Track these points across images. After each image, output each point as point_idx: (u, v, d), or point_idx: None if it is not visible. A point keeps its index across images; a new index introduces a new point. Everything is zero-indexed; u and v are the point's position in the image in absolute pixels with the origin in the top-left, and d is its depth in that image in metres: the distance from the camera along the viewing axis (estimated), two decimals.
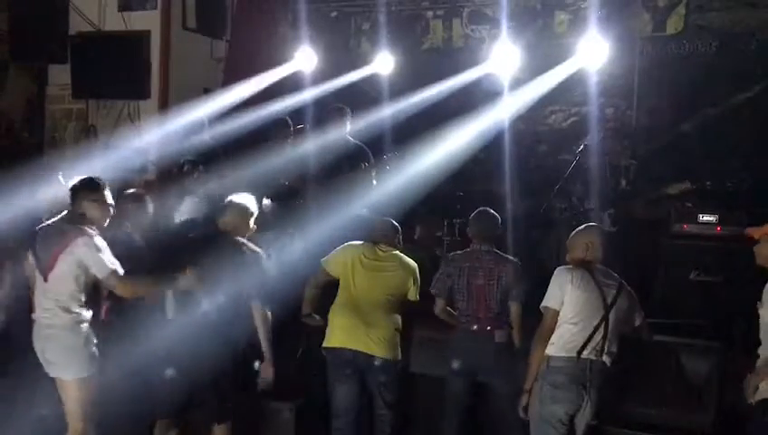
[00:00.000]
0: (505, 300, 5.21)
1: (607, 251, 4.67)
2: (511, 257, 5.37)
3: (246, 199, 5.20)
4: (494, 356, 5.15)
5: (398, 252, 5.56)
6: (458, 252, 5.52)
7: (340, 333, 5.35)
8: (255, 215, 5.22)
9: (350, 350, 5.29)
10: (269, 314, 4.97)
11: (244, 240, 5.04)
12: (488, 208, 5.52)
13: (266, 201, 6.18)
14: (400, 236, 5.66)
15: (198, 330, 4.76)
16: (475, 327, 5.22)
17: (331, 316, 5.43)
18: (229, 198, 5.21)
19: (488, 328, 5.19)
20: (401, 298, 5.46)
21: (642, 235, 6.68)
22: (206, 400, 4.94)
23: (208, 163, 6.84)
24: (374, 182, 6.90)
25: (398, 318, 5.43)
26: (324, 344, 5.38)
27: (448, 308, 5.44)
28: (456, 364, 5.27)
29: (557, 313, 4.53)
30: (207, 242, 5.02)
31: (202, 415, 5.01)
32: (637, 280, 4.84)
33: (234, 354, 4.91)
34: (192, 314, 4.83)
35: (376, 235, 5.59)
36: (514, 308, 5.20)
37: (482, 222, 5.42)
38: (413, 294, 5.50)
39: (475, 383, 5.26)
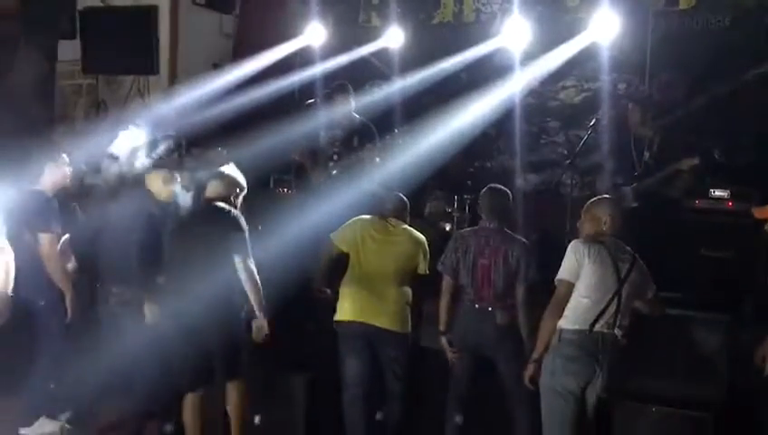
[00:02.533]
0: (512, 281, 5.16)
1: (620, 224, 4.66)
2: (520, 237, 5.31)
3: (236, 172, 5.22)
4: (496, 336, 5.12)
5: (407, 226, 5.57)
6: (467, 229, 5.50)
7: (351, 307, 5.37)
8: (244, 190, 5.22)
9: (361, 323, 5.31)
10: (253, 266, 4.95)
11: (226, 206, 5.04)
12: (498, 185, 5.49)
13: None
14: (408, 211, 5.66)
15: (199, 300, 4.81)
16: (478, 306, 5.20)
17: (341, 290, 5.45)
18: (219, 169, 5.23)
19: (489, 308, 5.17)
20: (411, 272, 5.47)
21: (657, 210, 6.64)
22: (217, 361, 4.99)
23: (201, 142, 6.83)
24: (377, 160, 6.87)
25: (409, 291, 5.44)
26: (335, 318, 5.40)
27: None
28: (457, 340, 5.26)
29: (572, 285, 4.51)
30: (197, 219, 5.10)
31: (216, 377, 5.05)
32: (649, 255, 4.81)
33: (237, 316, 4.97)
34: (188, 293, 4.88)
35: (385, 209, 5.59)
36: (521, 291, 5.15)
37: (492, 198, 5.38)
38: (422, 268, 5.50)
39: (479, 360, 5.24)
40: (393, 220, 5.53)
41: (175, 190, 5.49)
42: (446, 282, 5.32)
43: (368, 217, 5.56)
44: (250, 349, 5.07)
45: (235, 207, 5.12)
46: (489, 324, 5.14)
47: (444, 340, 5.28)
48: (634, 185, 6.73)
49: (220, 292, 4.86)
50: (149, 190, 5.43)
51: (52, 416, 5.65)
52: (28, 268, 5.31)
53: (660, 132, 6.91)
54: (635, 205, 6.67)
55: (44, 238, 5.36)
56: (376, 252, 5.40)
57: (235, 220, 4.96)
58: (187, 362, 5.00)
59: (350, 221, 5.56)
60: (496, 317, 5.15)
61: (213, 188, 5.13)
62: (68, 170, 5.67)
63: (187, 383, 5.05)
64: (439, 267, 5.35)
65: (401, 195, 5.70)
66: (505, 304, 5.16)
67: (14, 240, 5.25)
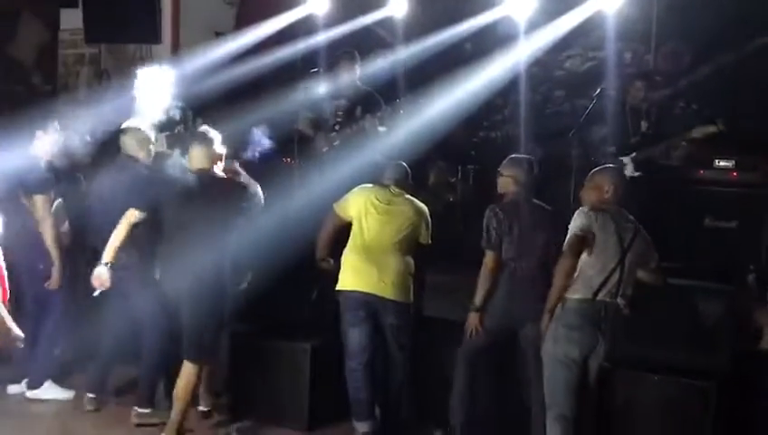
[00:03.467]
0: (548, 249, 5.06)
1: (624, 193, 4.64)
2: (548, 206, 5.27)
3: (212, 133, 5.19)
4: (537, 304, 4.96)
5: (409, 196, 5.56)
6: (500, 203, 5.27)
7: (353, 276, 5.37)
8: (220, 150, 5.18)
9: (363, 292, 5.31)
10: None
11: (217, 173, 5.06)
12: (519, 155, 5.44)
13: None
14: (410, 179, 5.65)
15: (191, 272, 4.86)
16: (521, 275, 5.12)
17: (344, 259, 5.45)
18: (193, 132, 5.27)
19: (532, 277, 5.08)
20: (413, 242, 5.45)
21: (662, 180, 6.62)
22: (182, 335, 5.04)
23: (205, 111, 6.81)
24: (381, 129, 6.85)
25: (411, 261, 5.43)
26: (338, 287, 5.41)
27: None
28: (495, 316, 5.15)
29: (585, 241, 4.47)
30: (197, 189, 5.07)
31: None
32: (653, 225, 4.81)
33: (214, 298, 4.98)
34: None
35: (387, 178, 5.58)
36: (555, 256, 5.10)
37: (520, 168, 5.25)
38: (425, 238, 5.49)
39: (505, 335, 5.22)
40: (395, 189, 5.52)
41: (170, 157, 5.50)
42: (491, 257, 5.16)
43: (370, 186, 5.55)
44: (216, 335, 5.12)
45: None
46: (534, 293, 5.01)
47: (475, 316, 5.19)
48: (634, 154, 6.70)
49: (209, 270, 4.89)
50: (128, 153, 5.47)
51: (59, 381, 5.72)
52: (25, 233, 5.40)
53: (658, 102, 6.88)
54: (636, 174, 6.64)
55: (38, 200, 5.47)
56: (379, 221, 5.39)
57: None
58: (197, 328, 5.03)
59: (352, 191, 5.54)
60: (542, 283, 5.00)
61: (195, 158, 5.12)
62: (58, 138, 5.69)
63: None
64: (484, 245, 5.26)
65: (403, 163, 5.68)
66: (547, 271, 5.11)
67: (11, 205, 5.33)
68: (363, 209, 5.43)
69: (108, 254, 5.13)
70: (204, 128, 5.29)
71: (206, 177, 5.05)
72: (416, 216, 5.47)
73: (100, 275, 5.12)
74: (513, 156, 5.42)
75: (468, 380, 5.27)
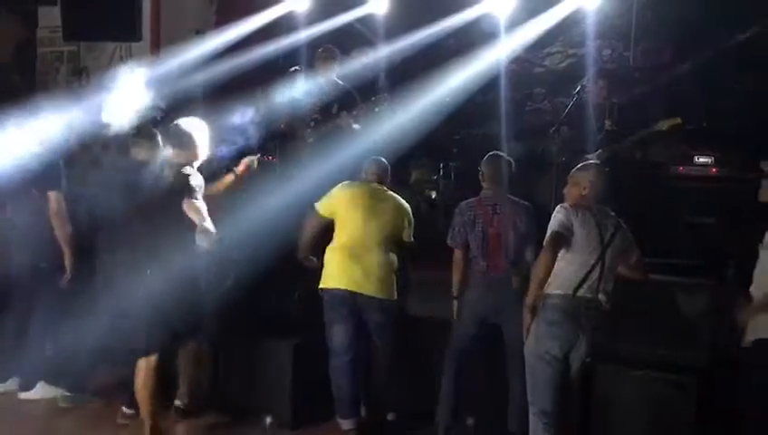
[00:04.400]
0: (521, 246, 5.17)
1: (602, 189, 4.67)
2: (523, 201, 5.31)
3: (187, 126, 5.11)
4: (511, 301, 5.07)
5: (391, 192, 5.56)
6: (472, 199, 5.42)
7: (336, 274, 5.37)
8: (202, 144, 5.10)
9: (346, 290, 5.31)
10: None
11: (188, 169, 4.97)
12: (499, 152, 5.47)
13: None
14: (389, 174, 5.64)
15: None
16: (492, 274, 5.19)
17: (327, 257, 5.45)
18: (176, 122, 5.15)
19: (503, 274, 5.15)
20: (396, 239, 5.47)
21: (635, 176, 6.66)
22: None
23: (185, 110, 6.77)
24: (355, 127, 6.84)
25: (394, 258, 5.44)
26: (321, 285, 5.41)
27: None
28: (468, 311, 5.27)
29: (564, 238, 4.48)
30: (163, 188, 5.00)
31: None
32: (634, 221, 4.84)
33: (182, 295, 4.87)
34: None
35: (368, 174, 5.58)
36: (529, 253, 5.14)
37: (495, 165, 5.34)
38: (407, 235, 5.51)
39: (484, 327, 5.26)
40: (376, 186, 5.52)
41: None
42: (458, 255, 5.29)
43: (351, 183, 5.54)
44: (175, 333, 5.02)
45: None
46: (505, 291, 5.13)
47: (456, 304, 5.30)
48: (599, 151, 6.73)
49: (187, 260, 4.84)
50: (135, 157, 5.41)
51: (52, 381, 5.69)
52: (33, 230, 5.43)
53: (626, 100, 6.93)
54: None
55: (52, 196, 5.50)
56: (361, 218, 5.39)
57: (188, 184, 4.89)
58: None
59: (334, 189, 5.53)
60: (512, 282, 5.14)
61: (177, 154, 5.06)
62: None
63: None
64: (449, 241, 5.33)
65: (382, 159, 5.67)
66: (518, 269, 5.16)
67: (20, 200, 5.38)
68: (345, 207, 5.42)
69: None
70: (188, 121, 5.18)
71: (180, 175, 4.98)
72: (398, 212, 5.48)
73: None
74: (491, 153, 5.44)
75: (455, 380, 5.29)
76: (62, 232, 5.52)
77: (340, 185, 5.55)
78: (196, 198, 4.83)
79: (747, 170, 6.73)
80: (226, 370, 5.72)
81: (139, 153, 5.43)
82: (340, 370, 5.34)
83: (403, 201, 5.55)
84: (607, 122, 6.95)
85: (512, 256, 5.17)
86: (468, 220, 5.26)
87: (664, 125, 6.57)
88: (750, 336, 4.48)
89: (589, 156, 6.66)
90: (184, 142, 5.03)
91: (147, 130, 5.65)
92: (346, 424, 5.37)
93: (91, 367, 5.67)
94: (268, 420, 5.37)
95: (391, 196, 5.53)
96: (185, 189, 4.82)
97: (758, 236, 4.63)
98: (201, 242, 4.82)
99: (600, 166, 4.97)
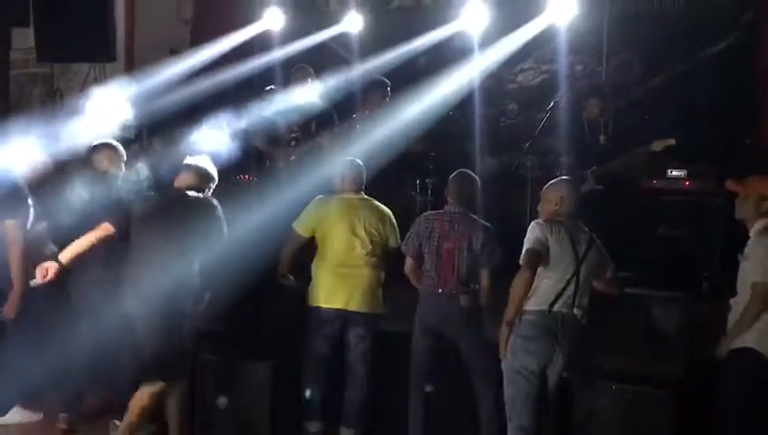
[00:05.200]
0: (475, 265, 5.17)
1: (575, 204, 4.71)
2: (483, 222, 5.32)
3: (207, 163, 5.15)
4: (459, 319, 5.14)
5: (370, 199, 5.49)
6: (432, 212, 5.47)
7: (325, 293, 5.37)
8: (215, 182, 5.14)
9: (334, 309, 5.32)
10: None
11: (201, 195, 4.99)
12: (467, 170, 5.50)
13: None
14: (364, 176, 5.57)
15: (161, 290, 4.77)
16: (441, 290, 5.22)
17: (315, 273, 5.43)
18: (187, 159, 5.16)
19: (454, 292, 5.16)
20: (382, 246, 5.42)
21: (620, 191, 6.73)
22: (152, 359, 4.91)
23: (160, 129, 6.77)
24: (335, 145, 6.86)
25: (382, 270, 5.41)
26: (309, 303, 5.41)
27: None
28: (420, 325, 5.28)
29: (539, 254, 4.50)
30: (167, 207, 5.01)
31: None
32: (608, 235, 4.88)
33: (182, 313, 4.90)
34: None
35: (344, 184, 5.50)
36: (484, 274, 5.15)
37: (460, 183, 5.36)
38: (394, 241, 5.45)
39: (439, 341, 5.26)
40: (353, 196, 5.45)
41: (131, 173, 5.44)
42: (409, 263, 5.32)
43: (327, 197, 5.50)
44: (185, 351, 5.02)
45: None
46: (453, 308, 5.15)
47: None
48: (594, 168, 6.79)
49: (173, 286, 4.80)
50: (97, 169, 5.39)
51: (27, 405, 5.62)
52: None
53: (613, 115, 7.00)
54: (597, 187, 6.74)
55: (8, 225, 5.17)
56: (344, 235, 5.35)
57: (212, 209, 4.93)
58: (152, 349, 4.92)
59: (310, 205, 5.51)
60: (460, 301, 5.16)
61: (183, 179, 5.05)
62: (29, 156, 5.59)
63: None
64: (403, 249, 5.36)
65: (357, 162, 5.58)
66: (469, 288, 5.18)
67: None
68: (325, 224, 5.40)
69: (65, 254, 4.97)
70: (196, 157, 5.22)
71: (175, 195, 5.00)
72: (381, 221, 5.43)
73: (50, 268, 4.96)
74: (458, 170, 5.46)
75: (422, 396, 5.28)
76: (15, 263, 5.18)
77: (315, 200, 5.51)
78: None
79: (721, 183, 6.80)
80: (204, 391, 5.66)
81: (101, 162, 5.40)
82: (313, 375, 5.36)
83: (383, 207, 5.50)
84: (602, 137, 7.03)
85: (463, 274, 5.17)
86: (424, 232, 5.27)
87: (658, 146, 6.65)
88: (726, 347, 4.53)
89: (583, 172, 6.73)
90: (192, 169, 5.05)
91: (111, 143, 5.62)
92: (311, 426, 5.38)
93: (77, 389, 5.59)
94: None
95: (370, 204, 5.47)
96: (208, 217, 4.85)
97: (733, 248, 4.69)
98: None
99: (572, 181, 5.01)
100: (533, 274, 4.52)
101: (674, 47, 8.02)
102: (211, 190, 5.14)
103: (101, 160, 5.43)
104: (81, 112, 6.57)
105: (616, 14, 8.24)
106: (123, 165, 5.50)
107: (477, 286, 5.18)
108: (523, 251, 4.57)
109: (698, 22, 8.01)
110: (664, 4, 8.22)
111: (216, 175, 5.17)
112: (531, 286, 4.54)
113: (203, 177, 5.08)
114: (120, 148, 5.53)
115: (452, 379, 5.30)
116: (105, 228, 4.98)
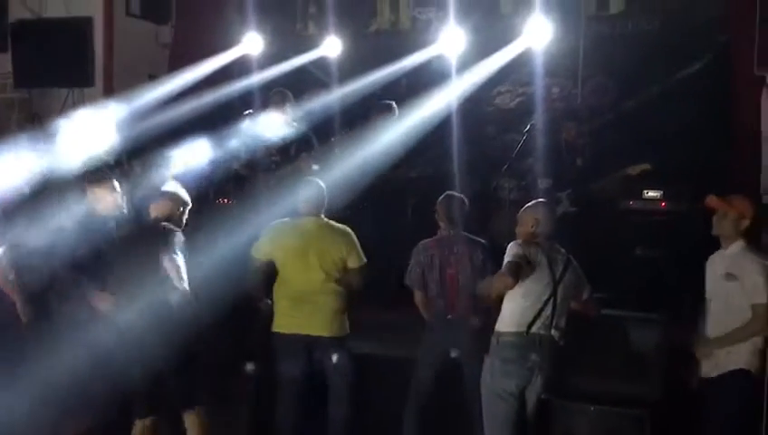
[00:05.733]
0: (481, 275, 5.16)
1: (551, 226, 4.74)
2: (479, 239, 5.35)
3: (179, 189, 5.14)
4: (469, 342, 5.15)
5: (327, 221, 5.43)
6: (428, 240, 5.45)
7: (285, 319, 5.36)
8: (188, 206, 5.11)
9: (297, 335, 5.30)
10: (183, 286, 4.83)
11: (173, 226, 4.95)
12: (454, 192, 5.52)
13: None
14: (325, 199, 5.50)
15: (144, 322, 4.73)
16: (450, 316, 5.22)
17: (275, 299, 5.43)
18: (163, 187, 5.16)
19: (463, 316, 5.19)
20: (341, 268, 5.35)
21: (596, 213, 6.78)
22: (170, 386, 4.85)
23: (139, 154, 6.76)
24: (315, 167, 6.87)
25: (342, 291, 5.36)
26: (273, 329, 5.40)
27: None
28: (428, 354, 5.29)
29: (520, 266, 4.51)
30: (142, 237, 4.99)
31: (168, 406, 4.94)
32: (586, 256, 4.91)
33: (188, 339, 4.81)
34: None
35: (302, 206, 5.44)
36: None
37: (449, 204, 5.40)
38: (353, 262, 5.37)
39: (443, 372, 5.27)
40: (311, 218, 5.39)
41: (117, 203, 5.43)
42: (417, 295, 5.36)
43: (283, 223, 5.47)
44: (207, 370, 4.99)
45: (181, 225, 5.06)
46: (463, 332, 5.18)
47: None
48: (568, 191, 6.85)
49: (164, 311, 4.75)
50: (91, 202, 5.36)
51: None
52: None
53: (589, 137, 7.08)
54: (572, 210, 6.79)
55: None
56: (296, 258, 5.31)
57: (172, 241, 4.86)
58: (134, 386, 4.88)
59: (266, 230, 5.47)
60: (470, 323, 5.18)
61: (158, 207, 5.04)
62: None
63: (136, 409, 4.96)
64: (407, 282, 5.37)
65: (317, 183, 5.53)
66: (478, 308, 5.18)
67: None
68: (280, 249, 5.37)
69: None
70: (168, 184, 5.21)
71: (149, 226, 5.00)
72: (337, 244, 5.36)
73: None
74: (445, 193, 5.49)
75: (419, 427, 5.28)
76: None
77: (272, 225, 5.48)
78: (177, 254, 4.79)
79: (696, 204, 6.86)
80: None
81: (92, 194, 5.38)
82: (285, 402, 5.33)
83: (340, 228, 5.43)
84: (579, 160, 7.09)
85: (470, 295, 5.18)
86: (425, 261, 5.30)
87: (634, 170, 6.72)
88: (706, 369, 4.56)
89: (560, 194, 6.78)
90: (166, 196, 5.03)
91: (101, 173, 5.60)
92: None
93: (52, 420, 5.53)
94: None
95: (327, 226, 5.41)
96: (168, 245, 4.79)
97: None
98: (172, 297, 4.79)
99: (548, 204, 5.05)
100: (515, 282, 4.50)
101: (649, 69, 8.12)
102: (185, 214, 5.12)
103: (101, 198, 5.36)
104: (60, 138, 6.54)
105: (591, 37, 8.35)
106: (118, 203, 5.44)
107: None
108: (504, 263, 4.58)
109: (673, 44, 8.11)
110: (638, 26, 8.34)
111: (188, 199, 5.15)
112: (508, 288, 4.53)
113: (177, 202, 5.07)
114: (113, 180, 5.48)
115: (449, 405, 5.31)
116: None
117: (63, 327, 5.14)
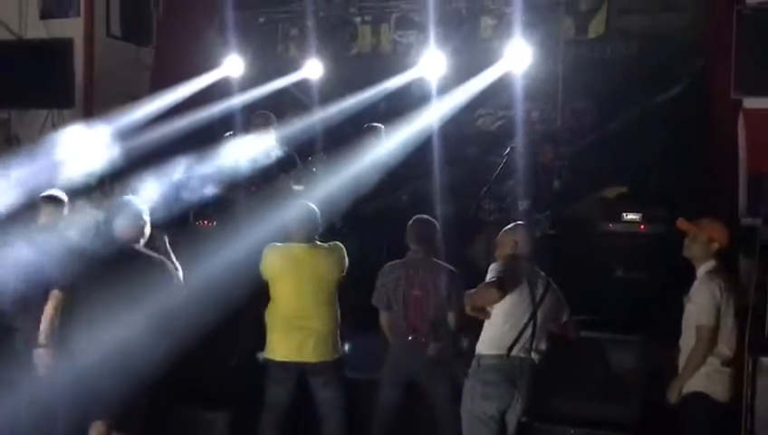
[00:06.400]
0: (443, 309, 5.20)
1: (529, 248, 4.76)
2: (447, 265, 5.35)
3: (137, 203, 5.09)
4: (430, 366, 5.17)
5: (320, 244, 5.39)
6: (395, 261, 5.47)
7: (276, 345, 5.32)
8: (146, 224, 5.04)
9: (291, 362, 5.27)
10: None
11: (141, 248, 4.92)
12: (424, 215, 5.53)
13: None
14: (318, 221, 5.46)
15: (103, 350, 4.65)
16: (411, 338, 5.22)
17: (267, 324, 5.37)
18: (120, 201, 5.13)
19: (423, 340, 5.19)
20: (334, 287, 5.33)
21: (575, 235, 6.82)
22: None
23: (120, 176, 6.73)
24: (296, 188, 6.87)
25: (336, 311, 5.35)
26: (265, 356, 5.35)
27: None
28: (390, 376, 5.29)
29: (503, 280, 4.50)
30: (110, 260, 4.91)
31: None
32: (565, 278, 4.93)
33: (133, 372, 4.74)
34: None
35: (293, 232, 5.41)
36: (451, 317, 5.20)
37: (419, 228, 5.40)
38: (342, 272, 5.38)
39: (408, 391, 5.27)
40: (302, 244, 5.34)
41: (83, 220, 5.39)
42: (383, 316, 5.35)
43: (277, 247, 5.43)
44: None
45: (157, 248, 5.02)
46: (422, 356, 5.17)
47: None
48: (548, 213, 6.89)
49: (123, 345, 4.67)
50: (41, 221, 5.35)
51: None
52: None
53: (568, 161, 7.14)
54: (551, 232, 6.83)
55: None
56: (288, 284, 5.29)
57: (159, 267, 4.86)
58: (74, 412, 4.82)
59: (264, 253, 5.44)
60: (430, 348, 5.18)
61: (126, 231, 4.96)
62: None
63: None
64: (374, 301, 5.36)
65: (307, 207, 5.50)
66: (438, 333, 5.19)
67: None
68: (276, 274, 5.33)
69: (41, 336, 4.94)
70: (129, 198, 5.18)
71: (127, 250, 4.92)
72: (328, 265, 5.34)
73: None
74: (417, 216, 5.50)
75: None
76: None
77: (268, 247, 5.44)
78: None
79: (675, 226, 6.91)
80: None
81: (43, 215, 5.36)
82: (270, 423, 5.29)
83: (330, 248, 5.39)
84: (556, 182, 7.14)
85: (432, 319, 5.20)
86: (390, 282, 5.30)
87: (611, 193, 6.79)
88: (676, 391, 4.58)
89: (538, 216, 6.82)
90: (134, 219, 4.98)
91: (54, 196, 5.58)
92: None
93: None
94: None
95: (320, 250, 5.37)
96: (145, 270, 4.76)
97: (688, 291, 4.76)
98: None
99: (527, 226, 5.08)
100: (501, 295, 4.49)
101: (627, 93, 8.20)
102: (146, 238, 5.05)
103: (41, 215, 5.40)
104: (40, 159, 6.51)
105: (570, 61, 8.43)
106: (64, 216, 5.43)
107: (447, 330, 5.20)
108: (488, 278, 4.58)
109: (651, 68, 8.21)
110: (617, 51, 8.44)
111: (146, 216, 5.07)
112: (490, 302, 4.54)
113: (139, 227, 5.00)
114: (62, 199, 5.47)
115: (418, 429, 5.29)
116: (56, 296, 4.91)
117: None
